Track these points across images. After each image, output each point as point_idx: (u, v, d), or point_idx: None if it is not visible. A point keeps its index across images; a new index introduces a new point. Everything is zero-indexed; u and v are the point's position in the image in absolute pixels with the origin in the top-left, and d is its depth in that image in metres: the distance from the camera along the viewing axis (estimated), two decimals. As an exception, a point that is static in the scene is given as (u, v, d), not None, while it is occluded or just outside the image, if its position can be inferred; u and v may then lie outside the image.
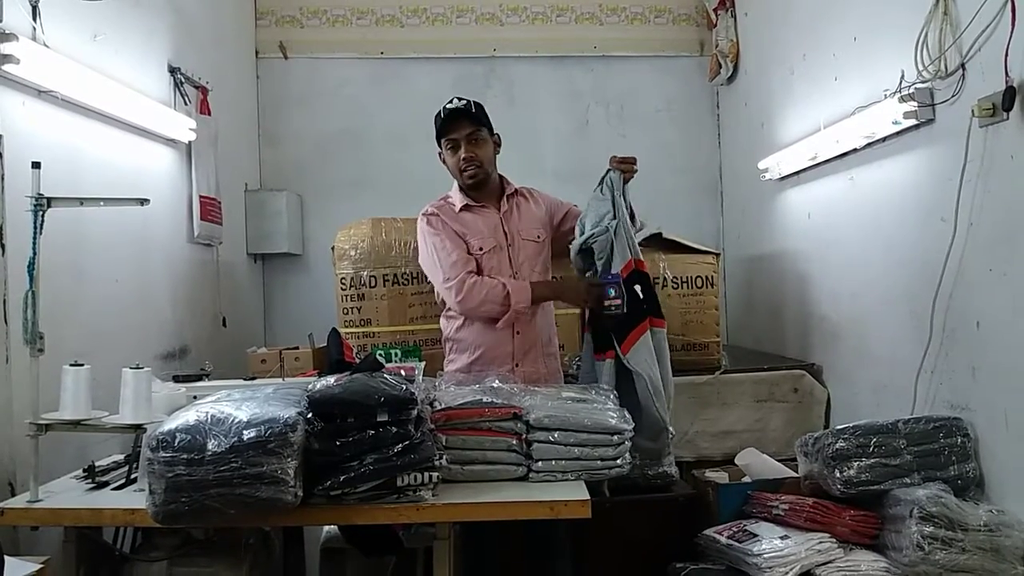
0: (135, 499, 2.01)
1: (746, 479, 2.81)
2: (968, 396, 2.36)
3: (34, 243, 2.07)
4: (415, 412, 1.97)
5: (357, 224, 3.50)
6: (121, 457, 2.40)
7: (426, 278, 2.98)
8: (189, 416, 1.91)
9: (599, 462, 2.18)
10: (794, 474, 2.63)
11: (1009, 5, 2.06)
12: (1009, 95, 2.07)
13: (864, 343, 3.02)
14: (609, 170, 2.75)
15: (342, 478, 1.91)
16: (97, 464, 2.31)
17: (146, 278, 3.20)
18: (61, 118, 2.64)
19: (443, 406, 2.18)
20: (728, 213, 4.77)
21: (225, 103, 4.03)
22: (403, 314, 3.40)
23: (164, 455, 1.82)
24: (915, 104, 2.50)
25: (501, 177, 2.92)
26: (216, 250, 3.90)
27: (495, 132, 2.85)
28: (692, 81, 4.82)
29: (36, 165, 2.08)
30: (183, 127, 3.44)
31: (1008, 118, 2.11)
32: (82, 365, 2.14)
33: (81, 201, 2.23)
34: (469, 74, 4.72)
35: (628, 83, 4.82)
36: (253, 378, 2.81)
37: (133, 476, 2.15)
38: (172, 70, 3.46)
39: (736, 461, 2.97)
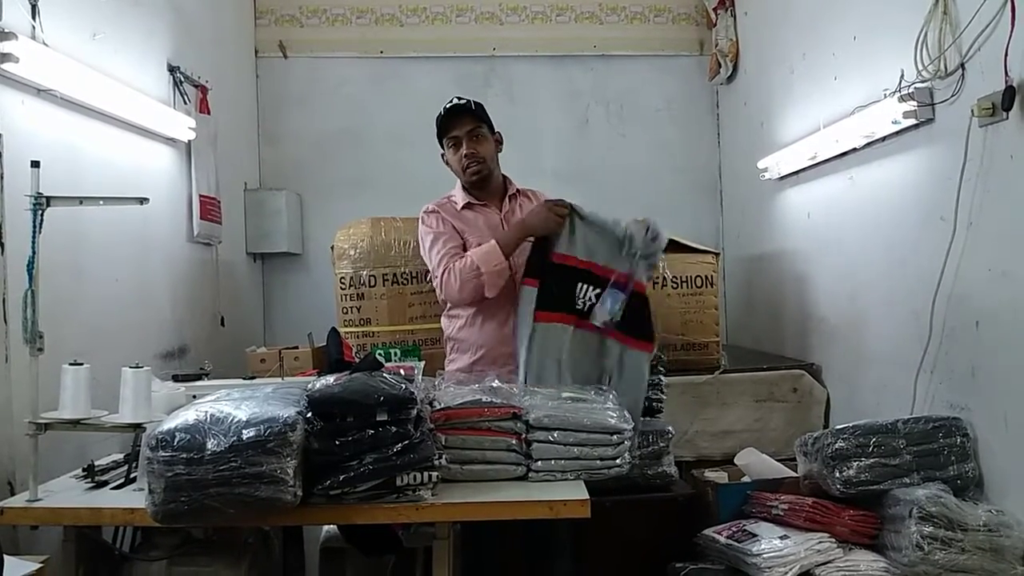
0: (134, 498, 2.00)
1: (745, 479, 2.81)
2: (968, 396, 2.36)
3: (33, 242, 2.06)
4: (415, 412, 1.96)
5: (357, 223, 3.50)
6: (120, 456, 2.39)
7: (426, 278, 2.98)
8: (188, 415, 1.90)
9: (598, 462, 2.17)
10: (793, 474, 2.63)
11: (1009, 5, 2.07)
12: (1009, 95, 2.07)
13: (864, 343, 3.02)
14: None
15: (341, 477, 1.90)
16: (96, 463, 2.30)
17: (146, 277, 3.19)
18: (60, 117, 2.64)
19: (442, 406, 2.17)
20: (728, 213, 4.77)
21: (225, 102, 4.03)
22: (402, 314, 3.40)
23: (163, 454, 1.82)
24: (915, 104, 2.50)
25: (505, 177, 2.91)
26: (216, 249, 3.90)
27: (496, 131, 2.84)
28: (692, 80, 4.82)
29: (35, 164, 2.07)
30: (183, 126, 3.44)
31: (1008, 118, 2.11)
32: (81, 364, 2.14)
33: (80, 200, 2.22)
34: (469, 73, 4.72)
35: (628, 82, 4.81)
36: (252, 377, 2.81)
37: (132, 475, 2.14)
38: (172, 69, 3.46)
39: (735, 461, 2.97)
